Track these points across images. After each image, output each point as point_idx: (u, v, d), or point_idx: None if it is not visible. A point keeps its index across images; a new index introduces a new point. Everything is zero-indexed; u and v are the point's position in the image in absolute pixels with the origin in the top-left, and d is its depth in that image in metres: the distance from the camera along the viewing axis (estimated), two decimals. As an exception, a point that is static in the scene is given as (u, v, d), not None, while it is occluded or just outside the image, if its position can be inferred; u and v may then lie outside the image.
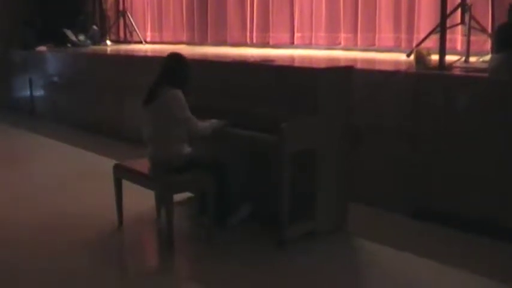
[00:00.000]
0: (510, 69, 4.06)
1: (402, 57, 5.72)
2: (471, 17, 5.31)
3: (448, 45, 4.78)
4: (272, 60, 4.85)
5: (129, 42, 9.60)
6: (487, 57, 4.79)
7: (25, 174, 5.98)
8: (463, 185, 4.18)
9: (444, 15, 4.65)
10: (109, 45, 9.64)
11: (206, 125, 4.14)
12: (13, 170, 6.13)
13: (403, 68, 4.90)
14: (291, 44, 7.43)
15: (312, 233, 4.07)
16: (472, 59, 5.22)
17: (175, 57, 4.24)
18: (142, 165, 4.19)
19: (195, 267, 3.95)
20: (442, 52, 4.56)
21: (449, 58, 4.81)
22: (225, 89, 4.49)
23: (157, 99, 4.04)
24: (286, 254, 3.87)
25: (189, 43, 8.74)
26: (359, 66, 5.02)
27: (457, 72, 4.55)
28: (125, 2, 9.77)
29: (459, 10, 5.44)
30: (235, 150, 4.37)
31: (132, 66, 7.19)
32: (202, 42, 8.55)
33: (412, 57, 5.19)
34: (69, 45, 9.41)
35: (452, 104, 4.20)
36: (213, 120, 4.18)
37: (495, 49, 4.45)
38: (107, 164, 4.85)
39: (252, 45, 7.86)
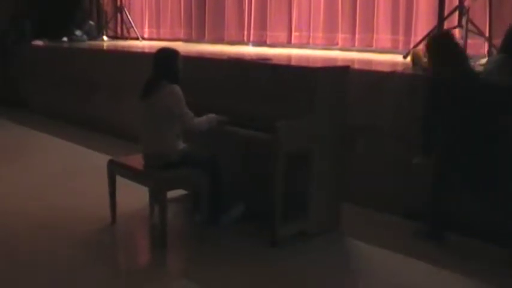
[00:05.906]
0: (506, 72, 4.05)
1: (399, 58, 5.71)
2: (468, 20, 5.31)
3: (445, 47, 4.78)
4: (269, 59, 4.84)
5: (126, 38, 9.57)
6: (484, 61, 4.78)
7: (18, 170, 5.96)
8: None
9: (442, 18, 4.66)
10: (105, 41, 9.61)
11: (202, 119, 4.11)
12: (6, 165, 6.10)
13: (399, 69, 4.89)
14: (289, 43, 7.42)
15: (305, 233, 4.07)
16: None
17: (165, 51, 4.20)
18: (137, 161, 4.18)
19: (187, 265, 3.95)
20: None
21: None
22: (220, 86, 4.47)
23: (155, 93, 4.01)
24: (278, 253, 3.87)
25: (186, 40, 8.72)
26: (356, 66, 5.00)
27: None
28: (123, -2, 9.75)
29: (457, 13, 5.44)
30: (230, 148, 4.36)
31: (128, 62, 7.17)
32: (200, 39, 8.53)
33: (408, 58, 5.18)
34: (65, 39, 9.37)
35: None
36: (210, 115, 4.14)
37: (499, 50, 4.40)
38: (102, 159, 4.83)
39: (250, 43, 7.84)
